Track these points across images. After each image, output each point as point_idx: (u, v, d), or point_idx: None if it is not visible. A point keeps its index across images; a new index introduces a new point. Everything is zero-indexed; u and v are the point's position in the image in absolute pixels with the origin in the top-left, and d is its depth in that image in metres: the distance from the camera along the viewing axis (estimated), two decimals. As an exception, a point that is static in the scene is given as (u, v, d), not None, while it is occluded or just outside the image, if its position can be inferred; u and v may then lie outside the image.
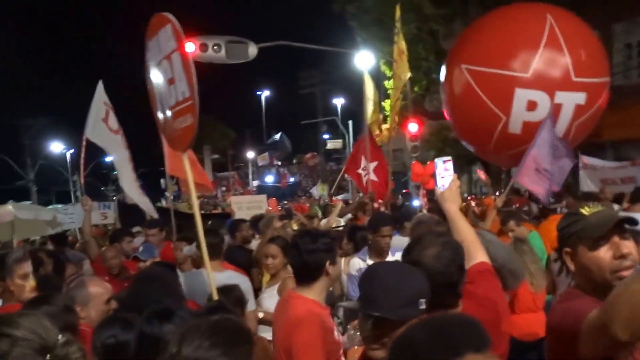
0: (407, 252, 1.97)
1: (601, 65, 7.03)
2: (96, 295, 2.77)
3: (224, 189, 38.33)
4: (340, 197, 20.27)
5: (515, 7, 7.77)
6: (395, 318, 1.58)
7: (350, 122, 39.42)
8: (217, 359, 1.34)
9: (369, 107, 10.32)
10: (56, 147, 36.43)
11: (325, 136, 39.71)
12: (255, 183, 45.06)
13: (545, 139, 5.12)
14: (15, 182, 32.60)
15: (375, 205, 7.83)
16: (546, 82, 6.47)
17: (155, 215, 7.13)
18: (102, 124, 6.41)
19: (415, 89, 16.43)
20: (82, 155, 6.42)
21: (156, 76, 3.41)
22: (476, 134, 7.60)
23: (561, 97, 6.45)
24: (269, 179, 46.12)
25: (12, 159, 31.47)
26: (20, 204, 12.24)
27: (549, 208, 6.89)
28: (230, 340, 1.37)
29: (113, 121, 6.49)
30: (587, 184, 9.57)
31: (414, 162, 7.10)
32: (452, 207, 2.37)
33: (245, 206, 10.05)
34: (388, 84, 18.03)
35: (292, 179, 44.89)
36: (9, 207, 10.65)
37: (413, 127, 10.54)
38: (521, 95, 6.48)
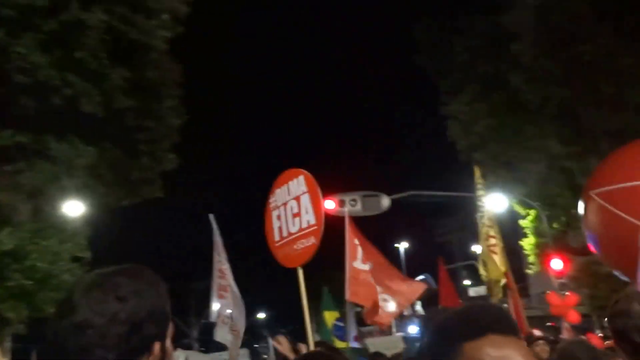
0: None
1: None
2: None
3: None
4: None
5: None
6: None
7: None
8: None
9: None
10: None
11: (466, 282, 38.02)
12: (399, 334, 43.35)
13: None
14: (180, 340, 35.98)
15: None
16: None
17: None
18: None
19: (554, 225, 15.93)
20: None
21: (281, 213, 4.34)
22: (622, 254, 7.42)
23: None
24: (412, 329, 44.11)
25: (180, 318, 35.30)
26: (188, 351, 14.39)
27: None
28: None
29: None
30: None
31: (549, 292, 6.98)
32: None
33: (382, 347, 10.19)
34: (524, 222, 17.73)
35: (436, 330, 42.40)
36: (179, 353, 12.74)
37: (557, 264, 10.21)
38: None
